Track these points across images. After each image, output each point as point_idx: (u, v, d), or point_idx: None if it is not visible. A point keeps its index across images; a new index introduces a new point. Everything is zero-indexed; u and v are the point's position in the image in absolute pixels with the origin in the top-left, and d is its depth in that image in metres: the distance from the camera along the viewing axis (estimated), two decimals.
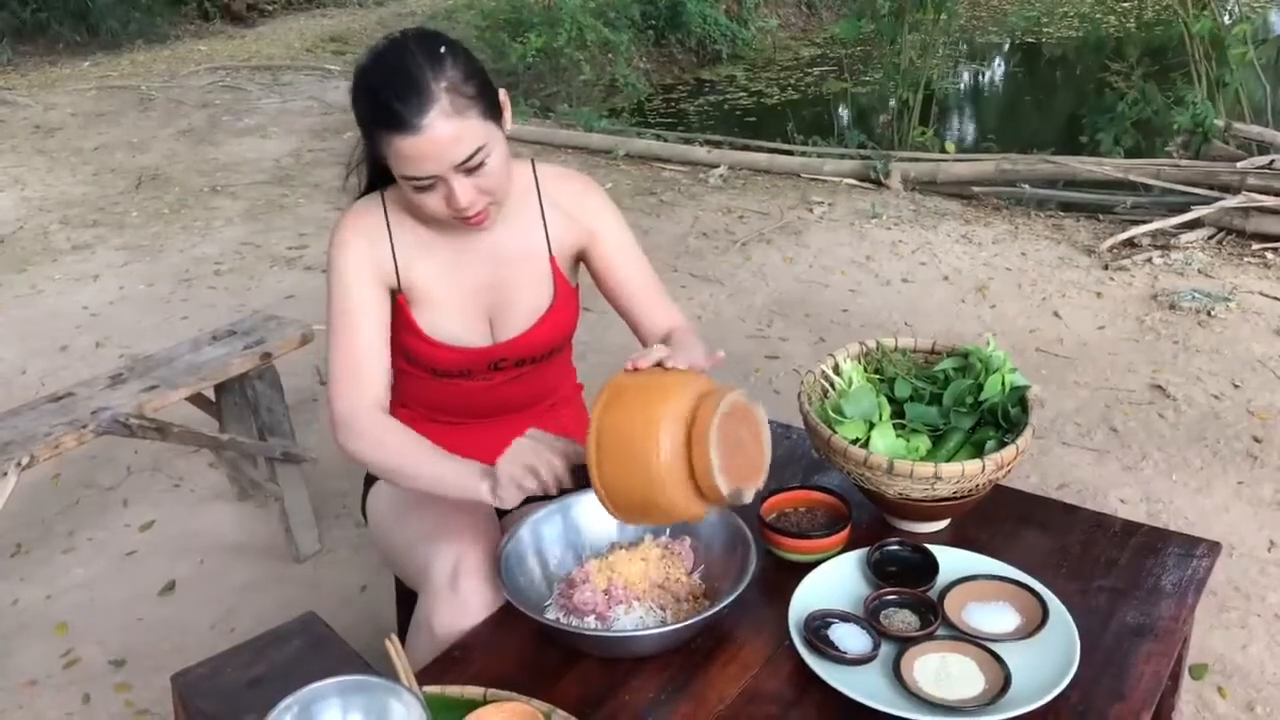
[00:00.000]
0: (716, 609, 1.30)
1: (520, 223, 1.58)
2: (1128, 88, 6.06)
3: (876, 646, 1.28)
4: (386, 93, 1.35)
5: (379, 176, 1.58)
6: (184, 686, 1.44)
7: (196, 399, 2.52)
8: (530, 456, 1.34)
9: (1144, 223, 4.49)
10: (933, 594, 1.37)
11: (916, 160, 5.54)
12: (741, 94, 8.50)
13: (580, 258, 1.66)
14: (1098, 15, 10.39)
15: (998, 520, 1.58)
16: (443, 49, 1.38)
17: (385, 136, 1.36)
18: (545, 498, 1.41)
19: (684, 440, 1.22)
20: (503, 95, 1.46)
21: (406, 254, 1.53)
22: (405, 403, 1.70)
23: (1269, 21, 9.81)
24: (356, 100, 1.42)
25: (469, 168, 1.39)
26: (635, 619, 1.35)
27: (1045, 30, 10.67)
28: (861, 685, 1.22)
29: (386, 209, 1.54)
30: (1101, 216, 4.82)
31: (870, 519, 1.57)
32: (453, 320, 1.56)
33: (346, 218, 1.55)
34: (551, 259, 1.60)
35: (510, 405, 1.66)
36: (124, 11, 9.48)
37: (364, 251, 1.52)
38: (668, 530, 1.49)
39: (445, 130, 1.35)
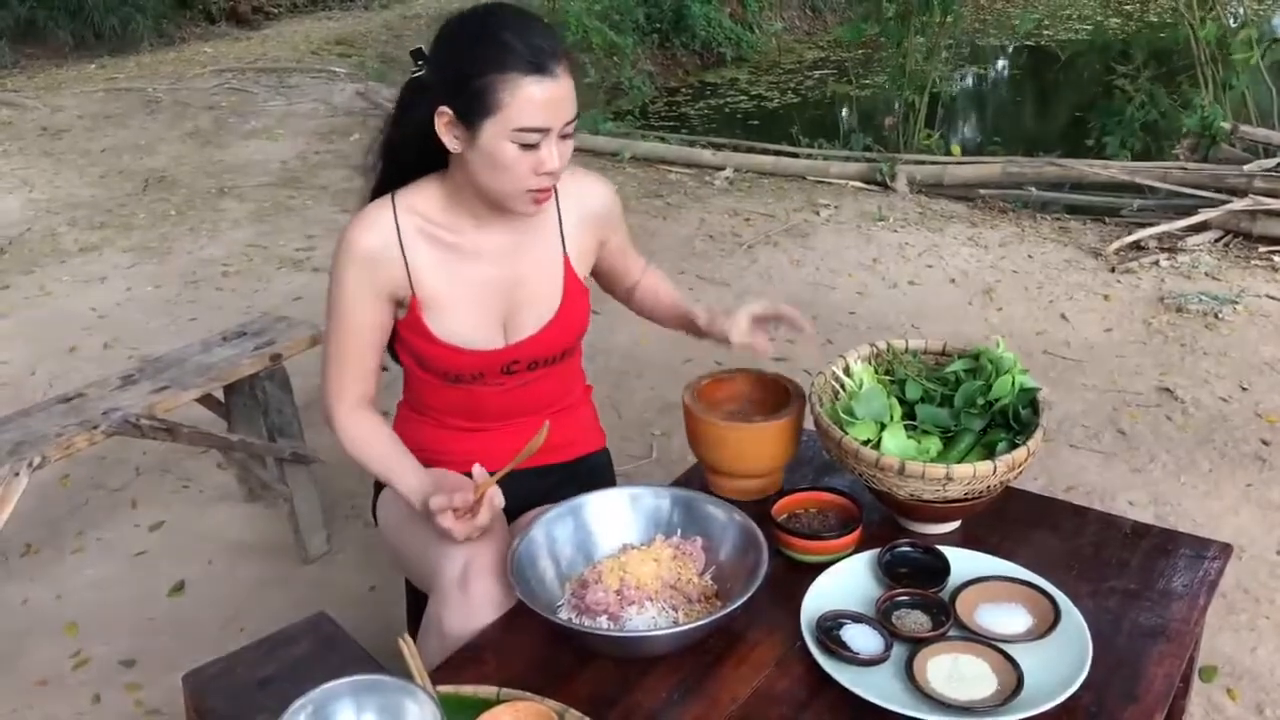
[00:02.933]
0: (729, 609, 1.30)
1: (535, 220, 1.57)
2: (1134, 91, 6.05)
3: (889, 647, 1.28)
4: (524, 36, 1.37)
5: (397, 173, 1.55)
6: (195, 686, 1.44)
7: (206, 400, 2.52)
8: (445, 532, 1.43)
9: (1151, 225, 4.49)
10: (944, 595, 1.37)
11: (922, 163, 5.55)
12: (742, 97, 8.51)
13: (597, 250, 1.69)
14: (1099, 18, 10.39)
15: (1008, 522, 1.58)
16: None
17: (514, 80, 1.35)
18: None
19: None
20: None
21: (419, 261, 1.52)
22: (418, 408, 1.70)
23: (1275, 26, 9.80)
24: (475, 41, 1.38)
25: (565, 134, 1.42)
26: (647, 619, 1.35)
27: (1046, 33, 10.67)
28: (874, 686, 1.22)
29: (397, 215, 1.51)
30: (1108, 219, 4.83)
31: (881, 520, 1.58)
32: (466, 323, 1.55)
33: (355, 228, 1.51)
34: (565, 258, 1.60)
35: (522, 409, 1.66)
36: (129, 13, 9.50)
37: (369, 265, 1.50)
38: (680, 531, 1.50)
39: (568, 85, 1.40)
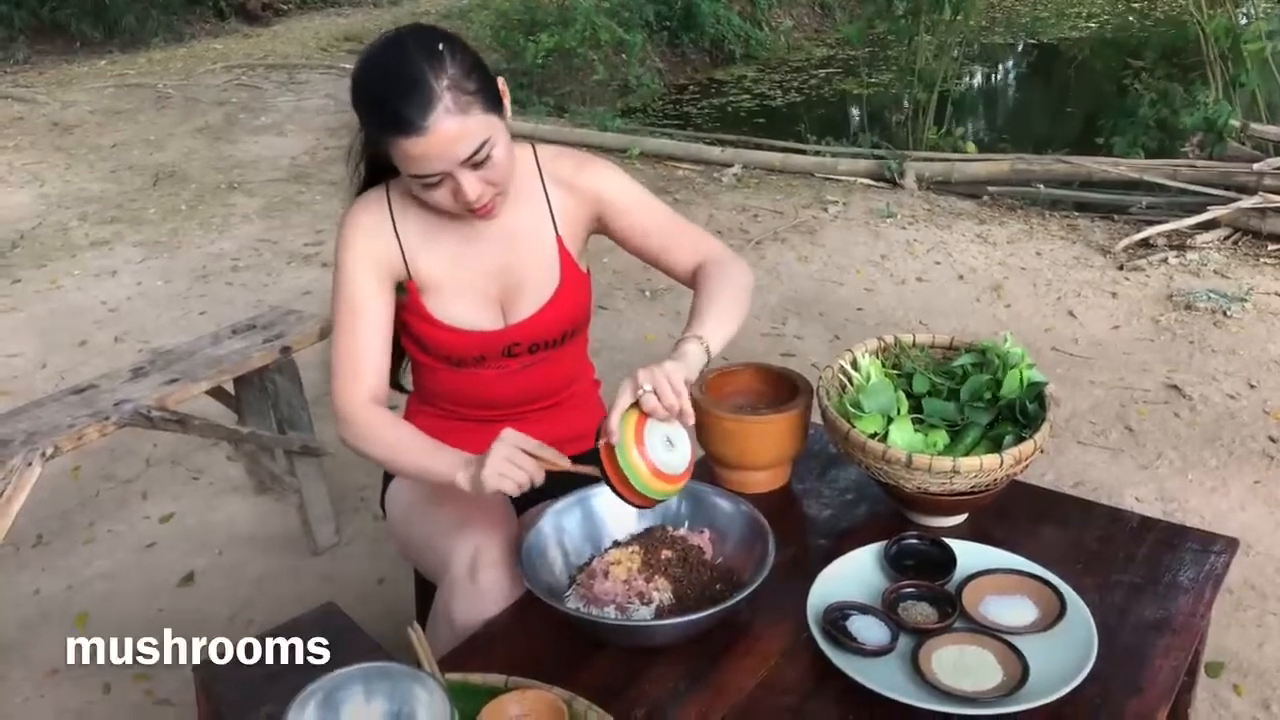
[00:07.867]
0: (736, 600, 1.31)
1: (526, 205, 1.59)
2: (1143, 88, 6.04)
3: (895, 638, 1.29)
4: (389, 96, 1.36)
5: (380, 171, 1.58)
6: (205, 676, 1.45)
7: (216, 392, 2.54)
8: (508, 466, 1.37)
9: (1159, 223, 4.49)
10: (950, 587, 1.37)
11: (931, 160, 5.54)
12: (745, 95, 8.50)
13: (596, 229, 1.65)
14: (1106, 16, 10.35)
15: (1015, 515, 1.58)
16: (440, 46, 1.38)
17: (390, 139, 1.38)
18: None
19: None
20: (501, 84, 1.46)
21: (414, 244, 1.55)
22: (427, 400, 1.70)
23: None
24: (358, 103, 1.43)
25: (475, 162, 1.40)
26: (654, 609, 1.36)
27: (1052, 30, 10.64)
28: (880, 676, 1.23)
29: (391, 202, 1.55)
30: (1117, 217, 4.82)
31: (888, 513, 1.58)
32: (464, 305, 1.58)
33: (350, 215, 1.56)
34: (558, 239, 1.60)
35: (528, 397, 1.67)
36: (141, 10, 9.54)
37: (368, 249, 1.53)
38: (687, 522, 1.50)
39: (450, 128, 1.36)
